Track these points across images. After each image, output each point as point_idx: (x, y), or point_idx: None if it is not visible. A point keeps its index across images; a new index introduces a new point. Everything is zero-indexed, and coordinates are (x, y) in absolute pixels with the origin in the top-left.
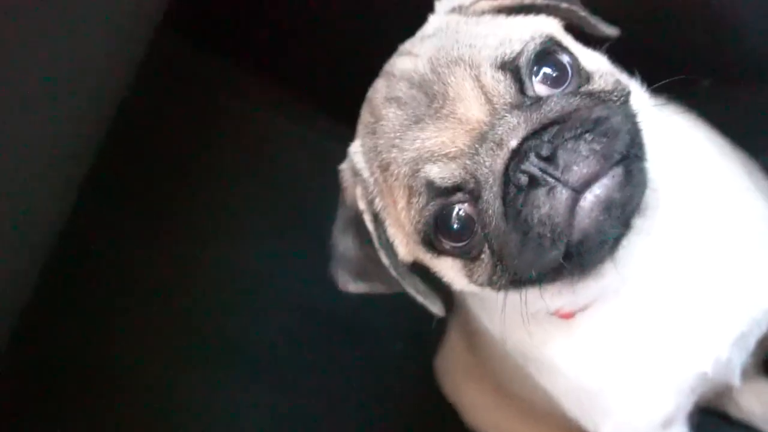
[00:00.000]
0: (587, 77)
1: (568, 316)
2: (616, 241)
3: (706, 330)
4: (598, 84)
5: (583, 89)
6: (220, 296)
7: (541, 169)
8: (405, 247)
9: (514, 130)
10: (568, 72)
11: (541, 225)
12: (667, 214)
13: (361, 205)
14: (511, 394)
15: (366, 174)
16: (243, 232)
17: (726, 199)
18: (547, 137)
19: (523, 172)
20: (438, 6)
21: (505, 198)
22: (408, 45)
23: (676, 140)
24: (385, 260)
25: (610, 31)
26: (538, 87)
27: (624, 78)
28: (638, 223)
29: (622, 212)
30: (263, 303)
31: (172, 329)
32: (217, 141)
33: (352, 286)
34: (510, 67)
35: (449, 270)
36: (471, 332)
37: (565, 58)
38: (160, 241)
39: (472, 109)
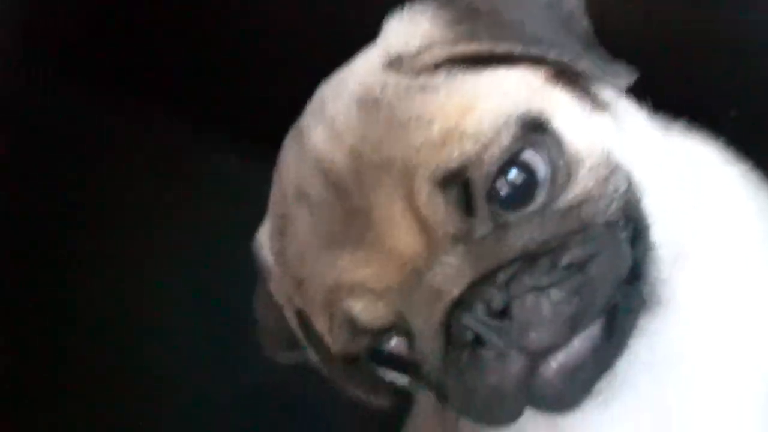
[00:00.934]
0: (568, 176)
1: None
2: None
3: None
4: (582, 185)
5: (560, 203)
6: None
7: (489, 327)
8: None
9: (456, 276)
10: (538, 181)
11: (487, 393)
12: (690, 280)
13: (279, 299)
14: None
15: (278, 275)
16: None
17: None
18: (501, 279)
19: (467, 327)
20: (381, 36)
21: (446, 351)
22: (330, 105)
23: (704, 190)
24: (313, 356)
25: (622, 81)
26: (496, 207)
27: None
28: (643, 324)
29: (597, 372)
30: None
31: None
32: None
33: (281, 356)
34: (456, 181)
35: (398, 377)
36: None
37: (538, 162)
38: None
39: (403, 241)
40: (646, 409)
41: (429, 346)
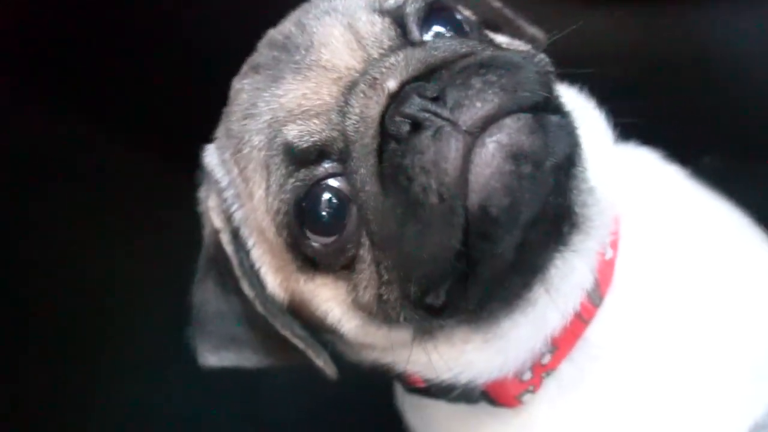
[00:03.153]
0: (490, 41)
1: (511, 401)
2: (544, 250)
3: (697, 421)
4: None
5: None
6: None
7: (423, 109)
8: (274, 273)
9: (390, 70)
10: (464, 30)
11: (424, 174)
12: (636, 259)
13: (216, 221)
14: None
15: (219, 173)
16: None
17: (717, 239)
18: (434, 82)
19: (404, 116)
20: None
21: (381, 155)
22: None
23: (639, 168)
24: (248, 291)
25: (537, 32)
26: (427, 37)
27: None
28: (577, 240)
29: (536, 169)
30: None
31: None
32: None
33: (213, 357)
34: (393, 15)
35: (330, 298)
36: None
37: (464, 15)
38: None
39: (339, 54)
40: (602, 397)
41: (364, 146)
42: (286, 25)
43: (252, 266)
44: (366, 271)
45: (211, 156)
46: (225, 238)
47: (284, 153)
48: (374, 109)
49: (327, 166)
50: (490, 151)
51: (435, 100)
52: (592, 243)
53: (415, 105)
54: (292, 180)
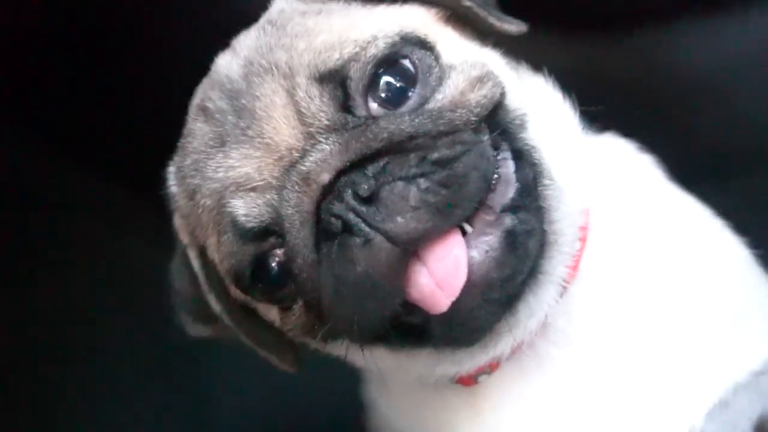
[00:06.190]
0: (440, 79)
1: (468, 381)
2: (510, 299)
3: (667, 399)
4: (453, 85)
5: (430, 105)
6: None
7: (356, 213)
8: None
9: (325, 162)
10: (415, 80)
11: (358, 287)
12: (605, 247)
13: (184, 237)
14: None
15: (181, 201)
16: None
17: (685, 228)
18: (371, 171)
19: (335, 215)
20: None
21: (318, 244)
22: (239, 36)
23: (613, 163)
24: (215, 306)
25: (510, 27)
26: (373, 105)
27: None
28: (546, 266)
29: (506, 287)
30: None
31: None
32: None
33: (192, 329)
34: (334, 79)
35: (274, 316)
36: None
37: (413, 60)
38: None
39: (281, 132)
40: (562, 381)
41: (300, 238)
42: (233, 66)
43: (219, 276)
44: (294, 317)
45: (172, 180)
46: (192, 254)
47: (232, 225)
48: (308, 204)
49: (272, 241)
50: (468, 289)
51: (368, 200)
52: (561, 266)
53: (347, 206)
54: (240, 252)
